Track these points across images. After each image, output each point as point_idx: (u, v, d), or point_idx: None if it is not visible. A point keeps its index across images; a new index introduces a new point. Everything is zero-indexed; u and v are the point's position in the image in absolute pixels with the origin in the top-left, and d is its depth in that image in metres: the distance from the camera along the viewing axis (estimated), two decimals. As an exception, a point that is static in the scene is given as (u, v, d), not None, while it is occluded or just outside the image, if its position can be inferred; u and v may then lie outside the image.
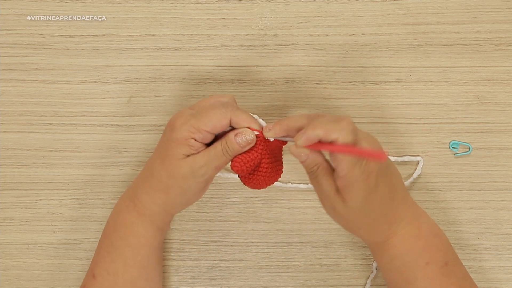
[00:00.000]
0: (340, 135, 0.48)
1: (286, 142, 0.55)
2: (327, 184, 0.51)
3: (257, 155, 0.54)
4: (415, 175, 0.66)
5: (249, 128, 0.53)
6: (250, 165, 0.53)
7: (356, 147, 0.48)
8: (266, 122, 0.55)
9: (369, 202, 0.51)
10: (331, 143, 0.48)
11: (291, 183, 0.66)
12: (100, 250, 0.58)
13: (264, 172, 0.55)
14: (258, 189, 0.56)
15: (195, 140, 0.52)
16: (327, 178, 0.51)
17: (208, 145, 0.54)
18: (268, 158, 0.55)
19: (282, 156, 0.57)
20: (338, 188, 0.51)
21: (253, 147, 0.54)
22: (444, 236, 0.57)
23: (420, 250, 0.54)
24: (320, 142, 0.49)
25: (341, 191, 0.50)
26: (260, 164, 0.54)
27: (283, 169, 0.57)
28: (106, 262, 0.57)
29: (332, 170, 0.51)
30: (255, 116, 0.55)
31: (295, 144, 0.50)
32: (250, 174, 0.55)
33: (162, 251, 0.61)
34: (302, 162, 0.51)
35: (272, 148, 0.55)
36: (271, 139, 0.54)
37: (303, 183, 0.66)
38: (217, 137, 0.54)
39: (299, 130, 0.51)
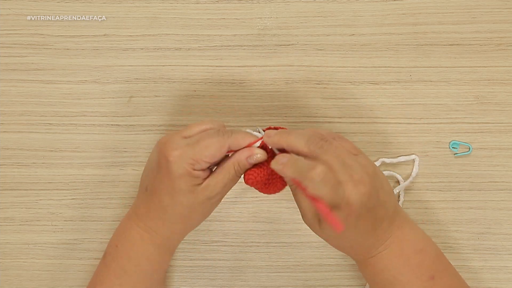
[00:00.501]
0: (309, 185, 0.47)
1: None
2: (303, 205, 0.51)
3: (268, 166, 0.53)
4: (413, 174, 0.66)
5: (250, 144, 0.53)
6: (262, 177, 0.53)
7: (320, 204, 0.47)
8: (261, 128, 0.54)
9: (345, 236, 0.51)
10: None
11: None
12: (107, 272, 0.57)
13: (277, 179, 0.54)
14: (276, 193, 0.56)
15: (196, 170, 0.51)
16: (303, 199, 0.51)
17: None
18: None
19: None
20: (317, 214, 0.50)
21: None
22: (431, 249, 0.55)
23: (400, 268, 0.53)
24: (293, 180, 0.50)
25: (319, 220, 0.50)
26: (272, 174, 0.54)
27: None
28: (115, 285, 0.56)
29: None
30: (248, 130, 0.54)
31: (274, 162, 0.50)
32: (265, 184, 0.55)
33: (165, 271, 0.61)
34: (284, 176, 0.52)
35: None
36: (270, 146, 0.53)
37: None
38: None
39: (295, 152, 0.50)
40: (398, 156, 0.66)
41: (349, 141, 0.52)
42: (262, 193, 0.55)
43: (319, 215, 0.50)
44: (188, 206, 0.53)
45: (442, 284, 0.53)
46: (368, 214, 0.49)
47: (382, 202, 0.50)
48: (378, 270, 0.53)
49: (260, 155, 0.52)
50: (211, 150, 0.51)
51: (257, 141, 0.53)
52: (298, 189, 0.50)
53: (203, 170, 0.52)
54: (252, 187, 0.55)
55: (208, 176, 0.53)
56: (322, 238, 0.54)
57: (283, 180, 0.54)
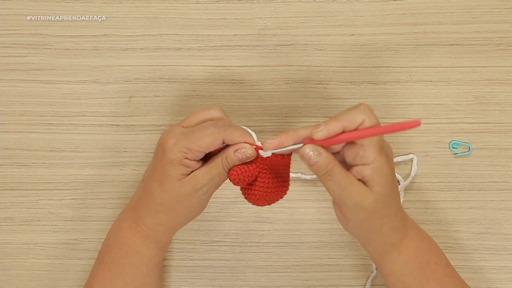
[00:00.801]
0: (366, 116, 0.48)
1: (289, 159, 0.53)
2: (348, 180, 0.50)
3: (255, 168, 0.52)
4: (412, 173, 0.66)
5: (247, 142, 0.52)
6: (246, 175, 0.52)
7: (384, 127, 0.47)
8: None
9: (393, 188, 0.51)
10: (354, 130, 0.48)
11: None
12: (99, 266, 0.58)
13: (262, 187, 0.53)
14: (259, 205, 0.55)
15: (189, 159, 0.51)
16: (345, 174, 0.50)
17: (203, 159, 0.53)
18: (267, 173, 0.53)
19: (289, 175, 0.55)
20: (364, 178, 0.50)
21: (252, 160, 0.52)
22: (442, 254, 0.59)
23: (427, 252, 0.56)
24: (342, 133, 0.48)
25: (370, 178, 0.49)
26: (257, 178, 0.53)
27: (288, 188, 0.55)
28: (106, 278, 0.56)
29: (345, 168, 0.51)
30: (248, 129, 0.53)
31: (313, 136, 0.48)
32: (248, 187, 0.53)
33: (161, 268, 0.61)
34: (313, 165, 0.49)
35: (273, 164, 0.53)
36: (269, 154, 0.51)
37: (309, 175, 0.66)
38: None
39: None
40: (396, 156, 0.66)
41: None
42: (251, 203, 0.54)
43: (368, 178, 0.50)
44: (174, 195, 0.53)
45: (454, 271, 0.58)
46: (393, 193, 0.52)
47: (395, 192, 0.53)
48: (412, 253, 0.54)
49: (247, 149, 0.51)
50: (205, 141, 0.51)
51: (253, 144, 0.52)
52: (354, 138, 0.48)
53: (196, 161, 0.52)
54: (247, 201, 0.55)
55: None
56: (368, 217, 0.51)
57: (267, 192, 0.53)
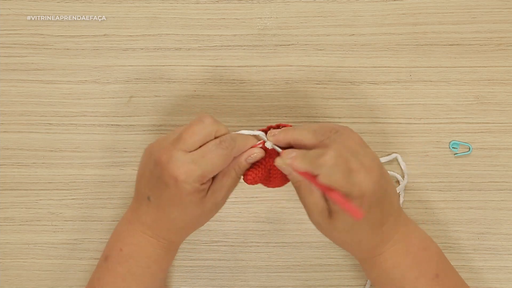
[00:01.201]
0: (321, 172, 0.47)
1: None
2: (310, 203, 0.50)
3: (265, 164, 0.53)
4: (405, 170, 0.66)
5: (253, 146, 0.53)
6: (261, 174, 0.54)
7: (334, 193, 0.46)
8: (260, 127, 0.54)
9: (356, 228, 0.50)
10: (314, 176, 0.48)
11: None
12: (110, 274, 0.57)
13: (277, 175, 0.54)
14: (279, 187, 0.56)
15: (204, 183, 0.51)
16: (310, 196, 0.50)
17: None
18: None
19: None
20: (329, 208, 0.50)
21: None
22: (434, 248, 0.56)
23: (408, 266, 0.53)
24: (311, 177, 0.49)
25: (331, 213, 0.50)
26: (271, 171, 0.54)
27: None
28: (106, 277, 0.56)
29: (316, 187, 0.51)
30: (243, 131, 0.53)
31: (282, 159, 0.50)
32: (264, 180, 0.55)
33: (164, 272, 0.60)
34: (287, 175, 0.52)
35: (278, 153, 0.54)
36: (270, 146, 0.53)
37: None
38: None
39: (303, 146, 0.50)
40: (380, 158, 0.65)
41: (355, 132, 0.51)
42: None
43: (327, 210, 0.50)
44: (197, 215, 0.53)
45: (446, 283, 0.54)
46: (378, 206, 0.50)
47: (388, 195, 0.51)
48: (386, 268, 0.53)
49: (257, 153, 0.52)
50: (217, 164, 0.50)
51: (257, 145, 0.53)
52: (310, 182, 0.49)
53: (208, 181, 0.52)
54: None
55: (211, 183, 0.53)
56: (329, 236, 0.53)
57: (283, 176, 0.54)
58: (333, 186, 0.46)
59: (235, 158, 0.52)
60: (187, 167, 0.49)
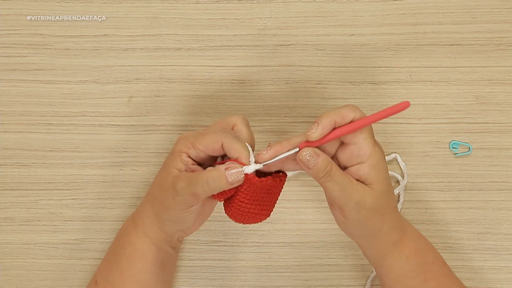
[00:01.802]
0: (356, 113, 0.48)
1: (278, 183, 0.52)
2: (347, 179, 0.50)
3: (233, 188, 0.50)
4: (404, 170, 0.66)
5: (236, 160, 0.49)
6: (224, 194, 0.50)
7: (375, 115, 0.48)
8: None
9: (390, 186, 0.52)
10: (347, 125, 0.48)
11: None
12: (104, 258, 0.60)
13: (236, 208, 0.51)
14: (235, 221, 0.53)
15: (188, 155, 0.52)
16: (344, 174, 0.50)
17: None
18: (248, 193, 0.50)
19: (274, 203, 0.54)
20: (362, 177, 0.50)
21: None
22: (438, 253, 0.59)
23: (425, 250, 0.56)
24: (335, 129, 0.48)
25: (368, 176, 0.50)
26: (236, 195, 0.51)
27: (266, 217, 0.53)
28: (106, 270, 0.57)
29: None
30: (249, 147, 0.50)
31: (309, 138, 0.48)
32: (227, 201, 0.52)
33: (164, 272, 0.59)
34: (312, 168, 0.49)
35: (257, 188, 0.50)
36: (251, 171, 0.49)
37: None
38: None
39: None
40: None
41: None
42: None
43: (366, 176, 0.50)
44: (158, 184, 0.54)
45: (450, 271, 0.58)
46: (390, 189, 0.52)
47: (391, 189, 0.54)
48: (411, 251, 0.55)
49: (239, 176, 0.49)
50: (206, 140, 0.51)
51: (239, 162, 0.49)
52: (348, 132, 0.48)
53: (192, 160, 0.52)
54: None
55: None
56: (369, 214, 0.51)
57: (241, 213, 0.51)
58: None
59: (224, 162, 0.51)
60: (187, 134, 0.52)
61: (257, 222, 0.53)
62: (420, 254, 0.55)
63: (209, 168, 0.50)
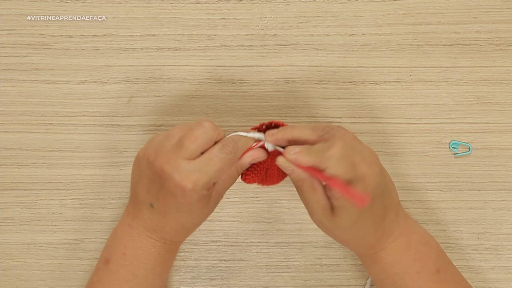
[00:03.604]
0: (329, 165, 0.47)
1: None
2: (313, 201, 0.51)
3: (264, 164, 0.53)
4: None
5: (251, 148, 0.52)
6: (260, 175, 0.54)
7: (339, 183, 0.47)
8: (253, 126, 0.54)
9: (359, 222, 0.51)
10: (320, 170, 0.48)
11: None
12: (112, 277, 0.57)
13: (274, 174, 0.55)
14: (273, 185, 0.56)
15: (210, 188, 0.51)
16: (312, 194, 0.50)
17: None
18: (273, 162, 0.53)
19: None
20: (331, 205, 0.50)
21: None
22: (435, 244, 0.56)
23: (410, 260, 0.54)
24: (312, 169, 0.49)
25: (334, 210, 0.50)
26: (267, 171, 0.54)
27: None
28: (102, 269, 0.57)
29: (319, 185, 0.51)
30: (241, 133, 0.52)
31: (285, 156, 0.50)
32: (262, 180, 0.55)
33: (163, 270, 0.59)
34: (288, 175, 0.51)
35: (276, 153, 0.54)
36: (272, 148, 0.53)
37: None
38: None
39: (303, 142, 0.50)
40: None
41: (349, 131, 0.52)
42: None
43: (330, 208, 0.50)
44: (203, 216, 0.54)
45: (447, 278, 0.55)
46: (380, 198, 0.50)
47: (388, 189, 0.52)
48: (387, 263, 0.54)
49: (262, 157, 0.53)
50: (223, 169, 0.50)
51: (256, 145, 0.52)
52: (312, 177, 0.50)
53: (213, 185, 0.52)
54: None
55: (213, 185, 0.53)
56: (332, 234, 0.53)
57: (279, 174, 0.54)
58: (340, 177, 0.47)
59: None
60: (193, 176, 0.49)
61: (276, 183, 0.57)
62: (411, 253, 0.54)
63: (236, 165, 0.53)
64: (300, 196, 0.52)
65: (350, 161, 0.48)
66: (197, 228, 0.57)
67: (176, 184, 0.49)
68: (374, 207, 0.50)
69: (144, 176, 0.52)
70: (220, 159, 0.50)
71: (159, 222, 0.54)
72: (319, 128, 0.51)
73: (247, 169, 0.54)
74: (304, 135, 0.51)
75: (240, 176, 0.54)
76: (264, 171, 0.54)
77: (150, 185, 0.52)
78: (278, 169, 0.53)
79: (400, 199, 0.55)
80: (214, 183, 0.52)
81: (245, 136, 0.53)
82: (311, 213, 0.52)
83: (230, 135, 0.52)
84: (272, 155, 0.53)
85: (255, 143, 0.53)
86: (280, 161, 0.51)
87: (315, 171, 0.48)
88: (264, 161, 0.53)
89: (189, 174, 0.49)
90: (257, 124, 0.54)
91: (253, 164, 0.53)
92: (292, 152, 0.49)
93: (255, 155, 0.52)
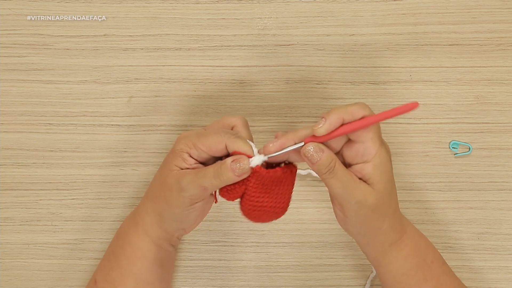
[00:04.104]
0: (365, 111, 0.48)
1: (288, 174, 0.51)
2: (350, 177, 0.49)
3: (242, 184, 0.50)
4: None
5: (242, 153, 0.49)
6: (235, 192, 0.50)
7: (385, 112, 0.47)
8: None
9: (393, 186, 0.52)
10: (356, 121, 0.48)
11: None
12: (104, 257, 0.59)
13: (249, 204, 0.51)
14: (252, 221, 0.53)
15: (190, 155, 0.51)
16: (347, 172, 0.49)
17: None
18: (256, 189, 0.50)
19: (289, 197, 0.53)
20: (365, 176, 0.50)
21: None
22: (437, 251, 0.59)
23: (425, 249, 0.56)
24: (342, 125, 0.48)
25: (371, 175, 0.49)
26: (246, 192, 0.50)
27: (283, 210, 0.53)
28: (106, 269, 0.57)
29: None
30: (252, 143, 0.50)
31: (315, 132, 0.48)
32: (241, 201, 0.52)
33: (163, 270, 0.58)
34: (315, 163, 0.49)
35: (266, 181, 0.50)
36: (258, 163, 0.49)
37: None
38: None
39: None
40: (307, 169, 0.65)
41: None
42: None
43: (369, 176, 0.49)
44: (159, 182, 0.54)
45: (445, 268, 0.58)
46: (394, 187, 0.52)
47: (394, 190, 0.53)
48: (408, 252, 0.55)
49: (245, 165, 0.49)
50: (209, 141, 0.50)
51: (244, 154, 0.49)
52: (356, 129, 0.48)
53: (196, 160, 0.52)
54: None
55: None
56: (351, 220, 0.52)
57: (253, 210, 0.51)
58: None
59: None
60: (189, 134, 0.52)
61: (275, 219, 0.53)
62: (419, 253, 0.55)
63: (217, 162, 0.50)
64: (333, 182, 0.49)
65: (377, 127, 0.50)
66: (194, 228, 0.57)
67: (178, 137, 0.52)
68: (392, 197, 0.52)
69: (163, 169, 0.54)
70: (212, 133, 0.51)
71: (152, 209, 0.55)
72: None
73: (227, 186, 0.50)
74: (306, 132, 0.49)
75: (218, 192, 0.52)
76: (239, 193, 0.50)
77: (165, 191, 0.53)
78: (257, 199, 0.50)
79: (400, 199, 0.55)
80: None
81: (247, 143, 0.50)
82: (350, 196, 0.49)
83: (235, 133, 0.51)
84: (257, 181, 0.50)
85: (244, 153, 0.49)
86: (309, 146, 0.48)
87: (356, 123, 0.47)
88: (241, 183, 0.50)
89: (189, 133, 0.52)
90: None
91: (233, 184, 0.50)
92: (320, 124, 0.48)
93: (238, 158, 0.49)
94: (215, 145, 0.50)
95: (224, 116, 0.54)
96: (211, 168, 0.50)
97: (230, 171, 0.49)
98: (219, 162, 0.50)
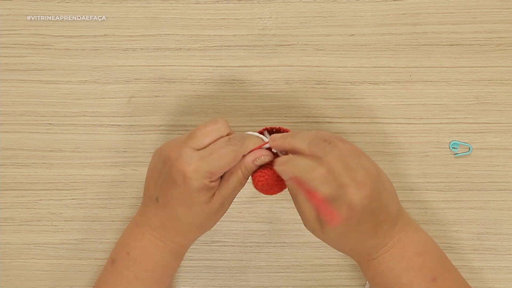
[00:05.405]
0: (311, 184, 0.48)
1: None
2: (306, 211, 0.51)
3: (273, 167, 0.53)
4: None
5: (257, 148, 0.53)
6: (271, 178, 0.53)
7: (316, 198, 0.47)
8: (261, 128, 0.55)
9: (347, 237, 0.51)
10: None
11: None
12: (116, 278, 0.57)
13: (282, 179, 0.54)
14: (277, 193, 0.56)
15: (213, 182, 0.52)
16: (306, 203, 0.50)
17: None
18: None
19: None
20: (319, 218, 0.50)
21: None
22: (433, 252, 0.55)
23: (402, 270, 0.53)
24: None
25: (320, 223, 0.50)
26: (279, 175, 0.53)
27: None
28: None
29: None
30: (250, 133, 0.53)
31: (274, 165, 0.51)
32: (272, 186, 0.54)
33: (169, 273, 0.60)
34: (286, 181, 0.52)
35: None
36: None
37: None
38: None
39: (299, 153, 0.51)
40: None
41: (351, 143, 0.51)
42: (262, 194, 0.55)
43: (320, 218, 0.50)
44: (204, 215, 0.53)
45: (444, 286, 0.54)
46: (370, 217, 0.49)
47: (384, 205, 0.50)
48: (380, 271, 0.53)
49: (265, 156, 0.53)
50: (226, 160, 0.51)
51: (263, 144, 0.53)
52: (299, 189, 0.50)
53: (218, 179, 0.52)
54: (257, 190, 0.55)
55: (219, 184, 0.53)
56: (324, 241, 0.54)
57: (284, 182, 0.54)
58: (318, 192, 0.47)
59: (243, 157, 0.53)
60: (195, 164, 0.50)
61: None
62: (408, 256, 0.54)
63: (239, 167, 0.53)
64: (294, 204, 0.52)
65: (335, 184, 0.47)
66: (200, 233, 0.57)
67: (178, 169, 0.50)
68: (362, 226, 0.49)
69: (156, 170, 0.54)
70: (225, 150, 0.51)
71: (161, 218, 0.54)
72: (315, 143, 0.50)
73: (257, 171, 0.53)
74: (299, 148, 0.50)
75: (253, 182, 0.54)
76: (274, 176, 0.53)
77: (159, 177, 0.53)
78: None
79: (400, 199, 0.54)
80: (219, 180, 0.52)
81: (255, 135, 0.53)
82: (304, 222, 0.52)
83: (240, 133, 0.53)
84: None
85: (262, 144, 0.53)
86: (275, 166, 0.52)
87: (299, 181, 0.48)
88: (272, 166, 0.53)
89: (192, 161, 0.50)
90: (257, 125, 0.54)
91: (261, 166, 0.53)
92: (280, 162, 0.51)
93: (258, 154, 0.52)
94: (234, 161, 0.51)
95: (205, 123, 0.53)
96: (240, 174, 0.53)
97: (254, 167, 0.53)
98: (241, 165, 0.53)
